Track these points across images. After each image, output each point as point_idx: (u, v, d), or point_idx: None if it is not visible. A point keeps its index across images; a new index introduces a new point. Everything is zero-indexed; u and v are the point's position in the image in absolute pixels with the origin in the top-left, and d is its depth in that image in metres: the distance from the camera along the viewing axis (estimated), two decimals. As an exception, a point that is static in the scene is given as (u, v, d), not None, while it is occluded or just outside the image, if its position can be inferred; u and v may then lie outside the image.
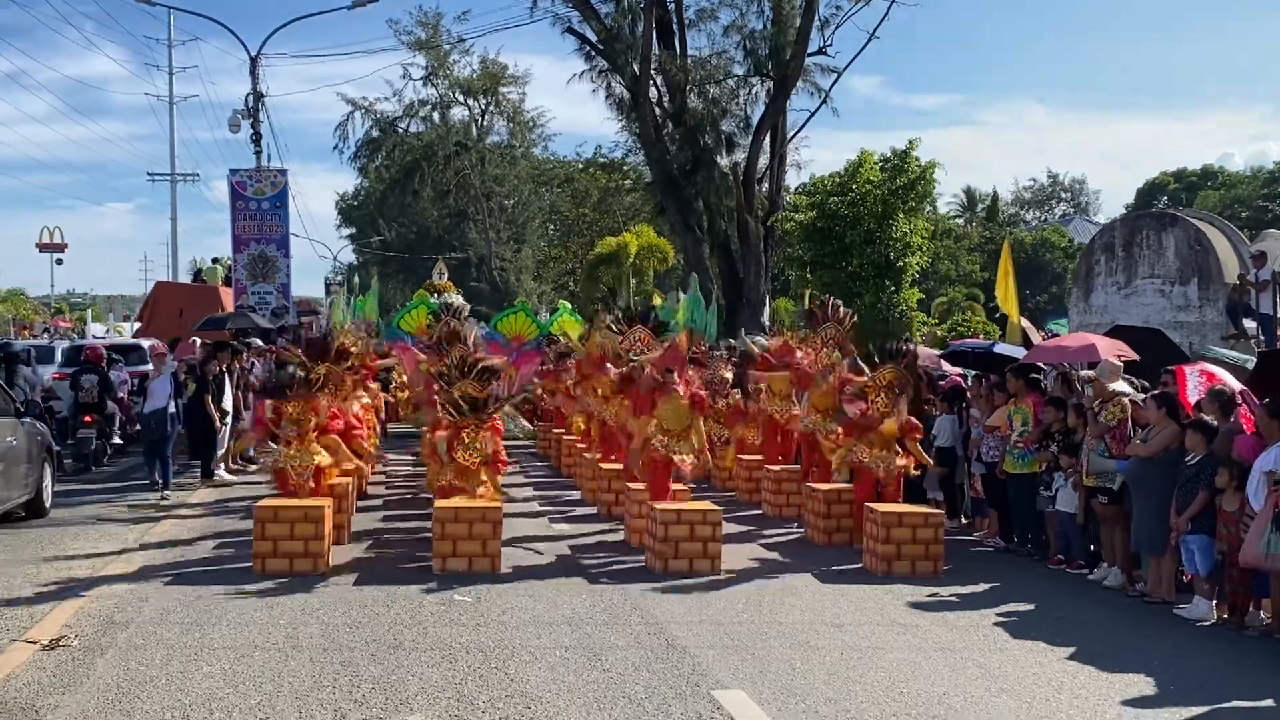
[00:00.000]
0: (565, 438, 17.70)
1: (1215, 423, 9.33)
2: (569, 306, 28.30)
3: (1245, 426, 9.30)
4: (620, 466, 12.85)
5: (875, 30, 31.22)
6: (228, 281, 30.36)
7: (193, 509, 13.57)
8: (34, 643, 7.57)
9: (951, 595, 9.73)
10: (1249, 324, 16.67)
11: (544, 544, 11.60)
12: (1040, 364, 12.87)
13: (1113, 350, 11.76)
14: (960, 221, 68.81)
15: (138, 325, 29.90)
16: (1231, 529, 8.86)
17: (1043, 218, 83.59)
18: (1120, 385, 10.68)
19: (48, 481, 13.07)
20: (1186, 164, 76.17)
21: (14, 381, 15.39)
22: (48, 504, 13.03)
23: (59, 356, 21.53)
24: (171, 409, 15.00)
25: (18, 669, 7.03)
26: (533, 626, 8.27)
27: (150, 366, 16.51)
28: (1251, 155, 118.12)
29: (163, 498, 14.08)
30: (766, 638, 8.15)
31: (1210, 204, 55.92)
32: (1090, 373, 11.48)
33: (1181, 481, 9.25)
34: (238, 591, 9.10)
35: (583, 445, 16.00)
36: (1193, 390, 10.16)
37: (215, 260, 37.13)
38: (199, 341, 18.38)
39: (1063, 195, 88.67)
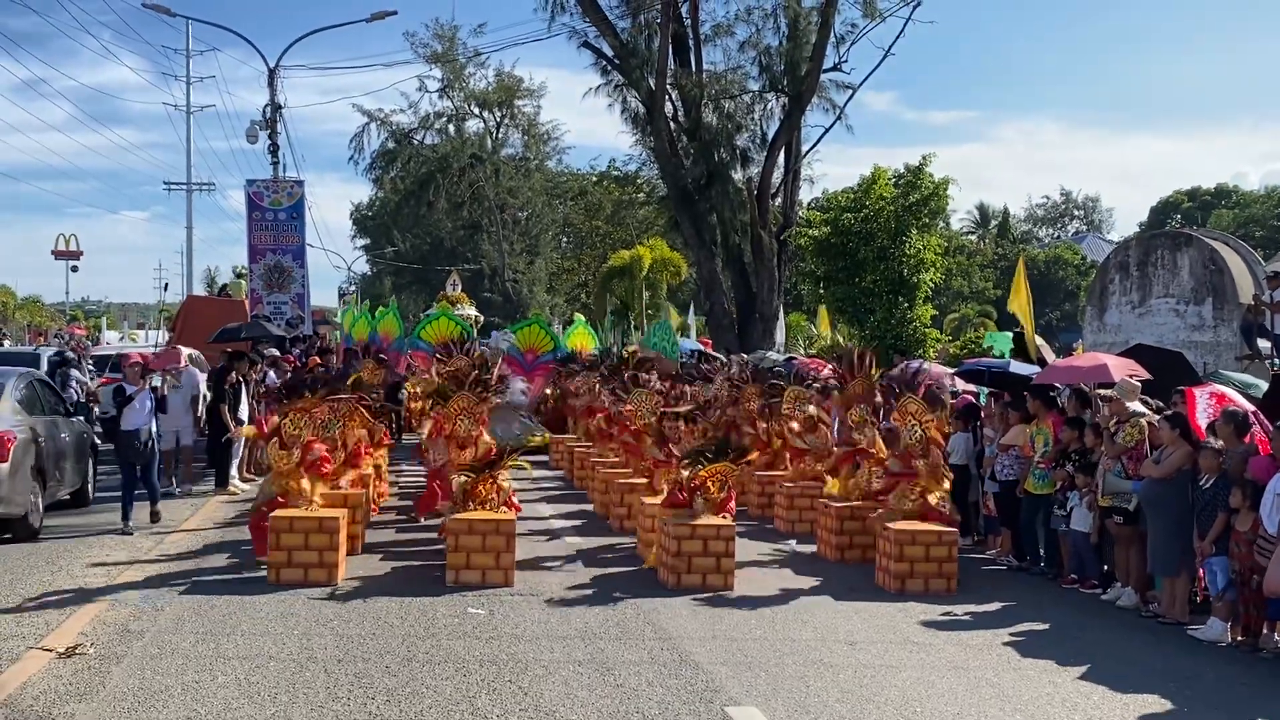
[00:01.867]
0: (578, 450, 17.71)
1: (1230, 444, 9.31)
2: (583, 319, 28.37)
3: (1260, 449, 9.28)
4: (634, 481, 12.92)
5: (890, 47, 31.18)
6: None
7: (208, 518, 13.61)
8: (50, 650, 7.62)
9: (965, 614, 9.71)
10: (1264, 345, 16.61)
11: (556, 557, 11.61)
12: (1055, 383, 12.83)
13: (1124, 369, 11.71)
14: (973, 238, 68.82)
15: (169, 335, 30.18)
16: (1244, 549, 8.85)
17: (1056, 235, 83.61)
18: (1137, 405, 10.65)
19: (91, 475, 14.53)
20: (1200, 182, 76.20)
21: (68, 384, 17.23)
22: (91, 495, 14.39)
23: (44, 364, 22.04)
24: (153, 427, 12.92)
25: (34, 677, 7.08)
26: (546, 640, 8.29)
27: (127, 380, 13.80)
28: (1266, 174, 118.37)
29: (125, 530, 12.18)
30: (780, 654, 8.16)
31: (1224, 223, 55.83)
32: (1108, 392, 11.44)
33: (1201, 505, 9.24)
34: (252, 601, 9.14)
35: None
36: (1202, 412, 10.12)
37: (239, 275, 37.31)
38: (185, 350, 18.11)
39: (1076, 213, 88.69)
